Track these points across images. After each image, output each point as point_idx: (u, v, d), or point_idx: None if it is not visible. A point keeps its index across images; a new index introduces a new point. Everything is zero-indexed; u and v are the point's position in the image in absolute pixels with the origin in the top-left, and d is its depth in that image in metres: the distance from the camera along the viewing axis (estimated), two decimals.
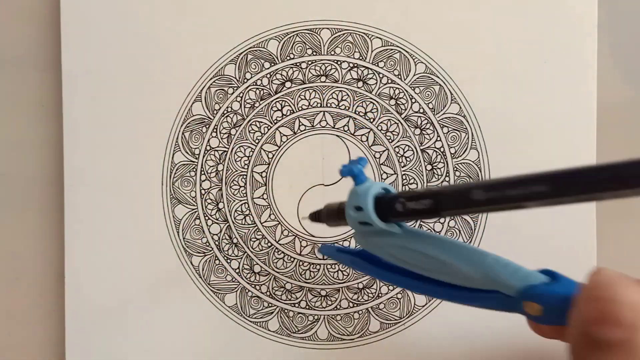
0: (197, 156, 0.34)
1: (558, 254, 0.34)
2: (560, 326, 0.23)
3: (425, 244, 0.25)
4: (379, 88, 0.34)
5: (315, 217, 0.30)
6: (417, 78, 0.34)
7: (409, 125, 0.34)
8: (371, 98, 0.34)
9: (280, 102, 0.34)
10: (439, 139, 0.34)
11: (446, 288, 0.25)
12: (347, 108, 0.34)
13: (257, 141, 0.34)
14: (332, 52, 0.34)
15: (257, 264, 0.35)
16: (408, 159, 0.34)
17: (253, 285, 0.35)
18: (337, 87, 0.34)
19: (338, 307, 0.35)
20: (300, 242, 0.35)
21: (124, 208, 0.34)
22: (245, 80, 0.34)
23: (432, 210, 0.23)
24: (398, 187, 0.34)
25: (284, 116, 0.34)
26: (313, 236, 0.35)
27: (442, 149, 0.34)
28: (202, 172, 0.34)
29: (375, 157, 0.34)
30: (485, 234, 0.34)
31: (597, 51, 0.34)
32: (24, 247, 0.35)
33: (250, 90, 0.34)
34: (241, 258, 0.35)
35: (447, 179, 0.34)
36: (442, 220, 0.34)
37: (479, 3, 0.34)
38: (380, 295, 0.35)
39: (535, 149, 0.34)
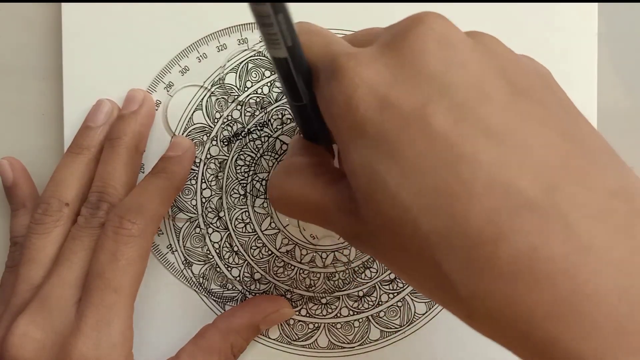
0: (197, 164, 0.34)
1: None
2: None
3: None
4: None
5: None
6: None
7: None
8: None
9: (281, 110, 0.34)
10: None
11: None
12: None
13: (257, 150, 0.34)
14: None
15: (258, 272, 0.35)
16: None
17: (254, 293, 0.35)
18: None
19: (338, 315, 0.35)
20: (301, 251, 0.35)
21: None
22: (246, 89, 0.34)
23: None
24: None
25: (284, 125, 0.34)
26: (314, 244, 0.35)
27: None
28: (203, 181, 0.34)
29: None
30: None
31: (597, 59, 0.34)
32: None
33: (250, 98, 0.34)
34: (242, 266, 0.35)
35: None
36: None
37: (479, 12, 0.34)
38: (380, 303, 0.35)
39: None
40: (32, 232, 0.31)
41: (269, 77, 0.34)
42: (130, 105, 0.33)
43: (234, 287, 0.35)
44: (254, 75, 0.34)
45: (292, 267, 0.35)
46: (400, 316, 0.35)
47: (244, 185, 0.35)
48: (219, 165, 0.35)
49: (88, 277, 0.30)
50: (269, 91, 0.34)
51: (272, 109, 0.34)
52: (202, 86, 0.34)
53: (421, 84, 0.20)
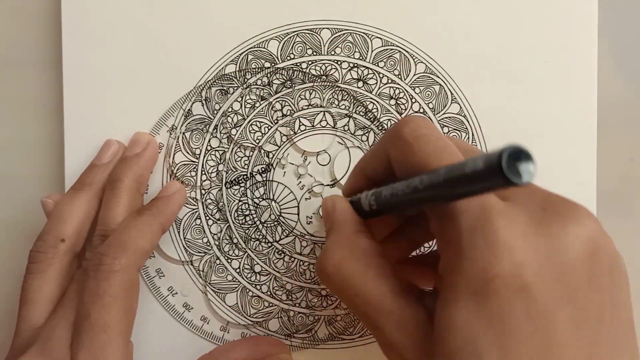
0: (197, 156, 0.34)
1: None
2: None
3: None
4: (379, 88, 0.34)
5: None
6: (417, 78, 0.34)
7: None
8: (371, 98, 0.34)
9: (281, 102, 0.34)
10: None
11: None
12: (347, 108, 0.34)
13: (257, 141, 0.34)
14: (332, 52, 0.34)
15: (258, 264, 0.35)
16: None
17: (254, 285, 0.35)
18: (337, 87, 0.34)
19: (338, 307, 0.35)
20: (301, 242, 0.35)
21: None
22: (246, 81, 0.34)
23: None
24: None
25: (284, 116, 0.34)
26: (313, 236, 0.35)
27: None
28: (203, 172, 0.34)
29: None
30: None
31: (598, 51, 0.34)
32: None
33: (250, 90, 0.34)
34: (242, 258, 0.35)
35: None
36: None
37: (480, 3, 0.34)
38: None
39: (535, 148, 0.34)
40: (28, 272, 0.31)
41: (268, 68, 0.34)
42: (134, 147, 0.33)
43: (234, 279, 0.35)
44: (254, 67, 0.34)
45: (292, 259, 0.35)
46: None
47: (244, 177, 0.35)
48: (219, 157, 0.34)
49: (76, 320, 0.29)
50: (269, 82, 0.34)
51: (272, 100, 0.34)
52: (201, 78, 0.34)
53: (560, 290, 0.21)
